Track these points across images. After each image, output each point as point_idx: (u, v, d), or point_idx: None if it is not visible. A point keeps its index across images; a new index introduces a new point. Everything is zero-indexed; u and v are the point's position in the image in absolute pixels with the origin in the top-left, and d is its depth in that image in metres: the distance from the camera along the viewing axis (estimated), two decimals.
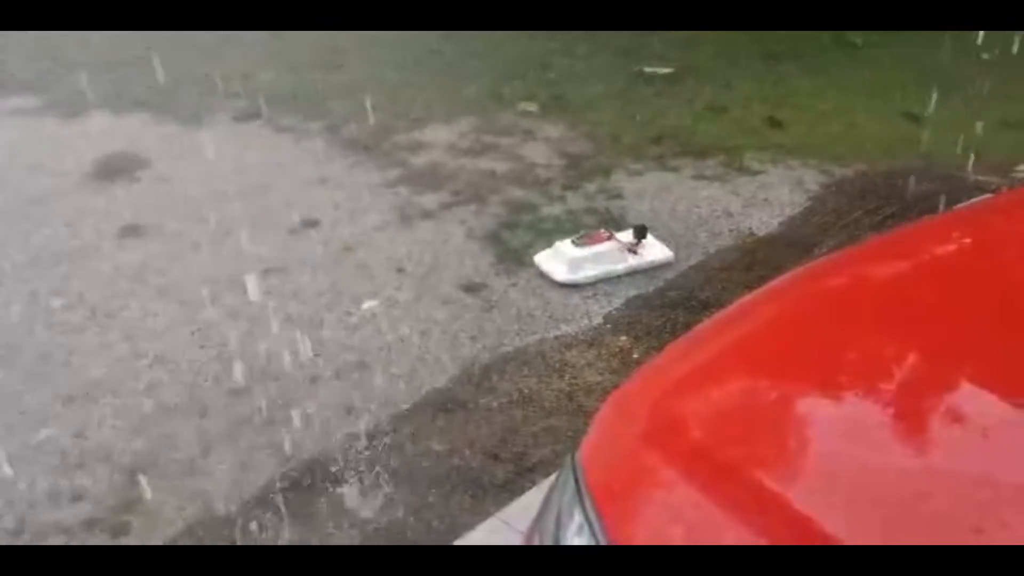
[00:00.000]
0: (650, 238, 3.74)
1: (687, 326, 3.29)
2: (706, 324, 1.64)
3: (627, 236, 3.72)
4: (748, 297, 1.67)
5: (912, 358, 1.37)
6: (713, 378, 1.45)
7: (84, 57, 5.95)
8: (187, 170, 4.55)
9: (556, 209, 4.17)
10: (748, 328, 1.56)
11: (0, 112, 5.41)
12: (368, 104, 5.15)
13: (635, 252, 3.66)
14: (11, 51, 6.25)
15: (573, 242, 3.65)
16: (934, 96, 4.58)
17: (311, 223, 4.07)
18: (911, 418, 1.27)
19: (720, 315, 1.65)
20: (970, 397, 1.27)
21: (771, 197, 4.26)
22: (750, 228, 3.99)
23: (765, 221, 4.06)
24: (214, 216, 4.08)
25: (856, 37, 6.16)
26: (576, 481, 1.31)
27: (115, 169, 4.59)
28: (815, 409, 1.35)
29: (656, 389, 1.44)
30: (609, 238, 3.68)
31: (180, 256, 3.82)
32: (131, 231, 4.01)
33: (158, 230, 4.02)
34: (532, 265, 3.71)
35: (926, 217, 2.07)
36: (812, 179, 4.42)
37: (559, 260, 3.63)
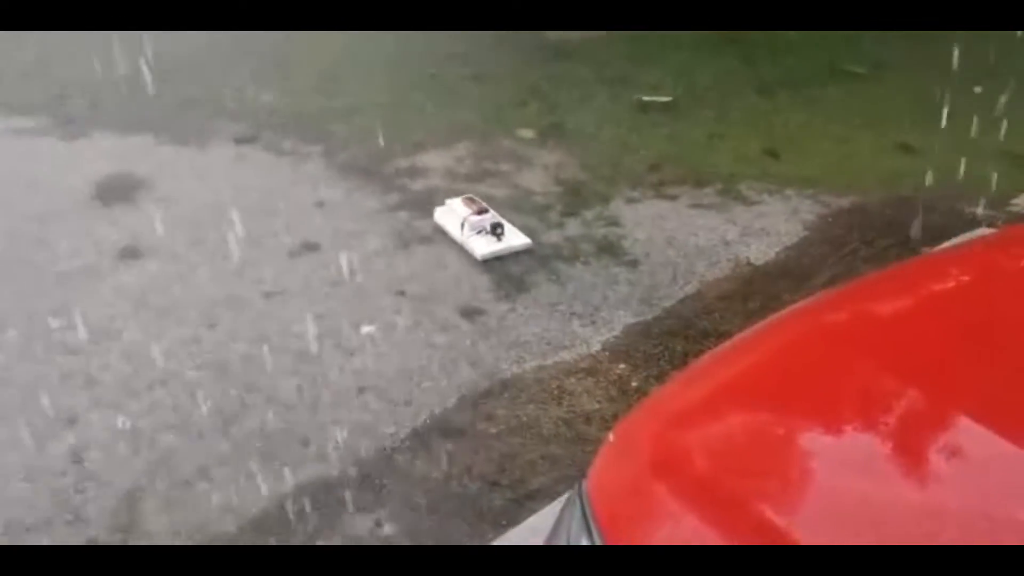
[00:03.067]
0: (510, 230, 4.10)
1: (685, 355, 3.32)
2: (710, 356, 1.66)
3: (497, 224, 4.07)
4: (751, 330, 1.69)
5: (914, 393, 1.39)
6: (718, 410, 1.46)
7: (83, 77, 5.97)
8: (187, 191, 4.57)
9: (554, 236, 4.19)
10: (752, 360, 1.58)
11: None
12: (367, 128, 5.18)
13: (487, 234, 4.03)
14: (9, 70, 6.27)
15: (463, 198, 4.24)
16: (931, 127, 4.62)
17: (310, 246, 4.08)
18: (912, 452, 1.29)
19: (723, 347, 1.67)
20: (971, 433, 1.29)
21: (768, 227, 4.28)
22: (747, 258, 4.02)
23: (763, 251, 4.08)
24: (214, 238, 4.09)
25: (859, 67, 6.21)
26: (583, 510, 1.32)
27: (115, 190, 4.60)
28: (818, 443, 1.37)
29: (661, 420, 1.46)
30: (479, 213, 4.09)
31: (180, 278, 3.83)
32: (131, 252, 4.02)
33: (158, 251, 4.02)
34: (530, 290, 3.74)
35: (925, 252, 2.10)
36: (808, 209, 4.46)
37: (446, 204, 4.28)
